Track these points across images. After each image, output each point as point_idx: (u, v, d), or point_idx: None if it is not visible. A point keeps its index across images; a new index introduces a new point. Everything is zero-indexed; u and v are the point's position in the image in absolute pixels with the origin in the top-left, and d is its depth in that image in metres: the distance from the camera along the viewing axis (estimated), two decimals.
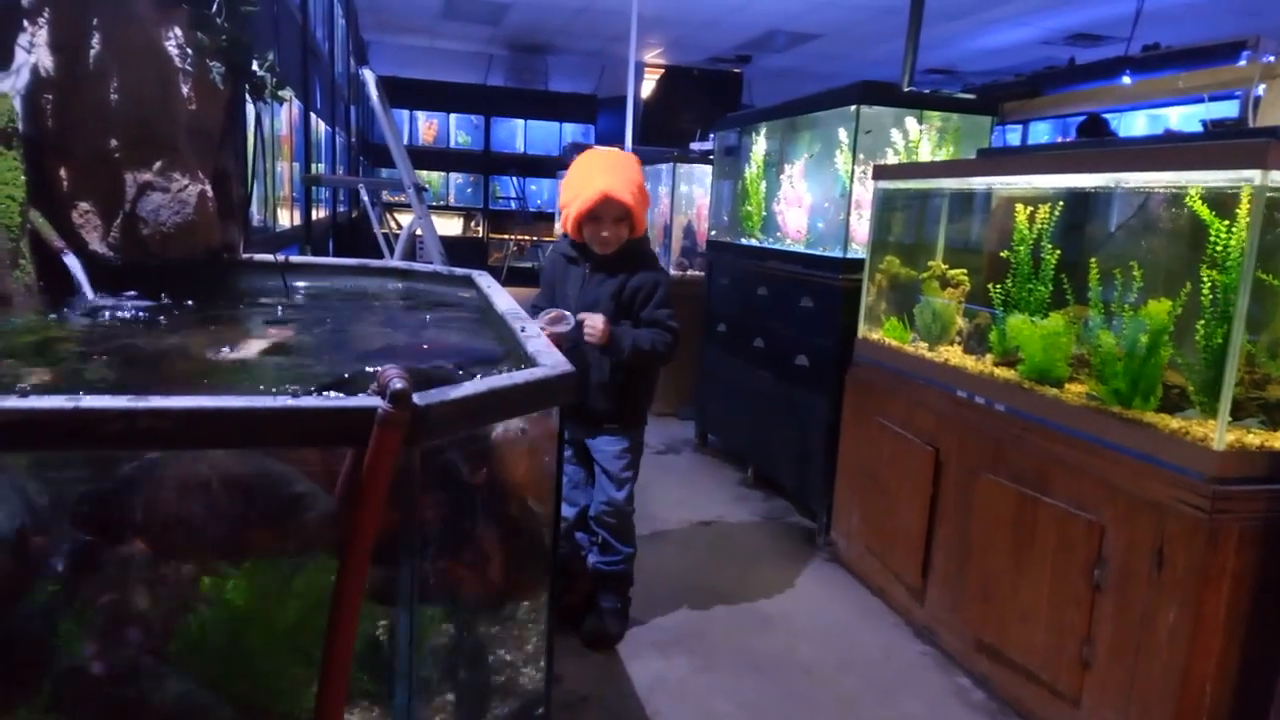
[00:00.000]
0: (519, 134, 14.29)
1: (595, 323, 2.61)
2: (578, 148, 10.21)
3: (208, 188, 2.22)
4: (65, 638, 1.12)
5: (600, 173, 2.67)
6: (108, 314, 1.88)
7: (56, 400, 0.90)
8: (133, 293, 2.00)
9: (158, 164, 2.15)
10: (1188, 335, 2.22)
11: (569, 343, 2.45)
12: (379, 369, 1.01)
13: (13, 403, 0.89)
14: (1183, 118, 6.66)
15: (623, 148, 8.50)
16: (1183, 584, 2.04)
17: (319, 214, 7.33)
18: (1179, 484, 2.06)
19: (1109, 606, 2.24)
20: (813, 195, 4.17)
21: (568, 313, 2.51)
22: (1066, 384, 2.56)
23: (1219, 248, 2.09)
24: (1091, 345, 2.44)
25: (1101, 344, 2.37)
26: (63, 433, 0.90)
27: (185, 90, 2.24)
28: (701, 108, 10.79)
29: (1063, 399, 2.45)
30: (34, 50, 2.14)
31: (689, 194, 6.21)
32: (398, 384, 0.97)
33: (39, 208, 2.05)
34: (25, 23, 2.15)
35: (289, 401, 0.95)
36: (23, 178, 1.96)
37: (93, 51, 2.13)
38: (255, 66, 2.41)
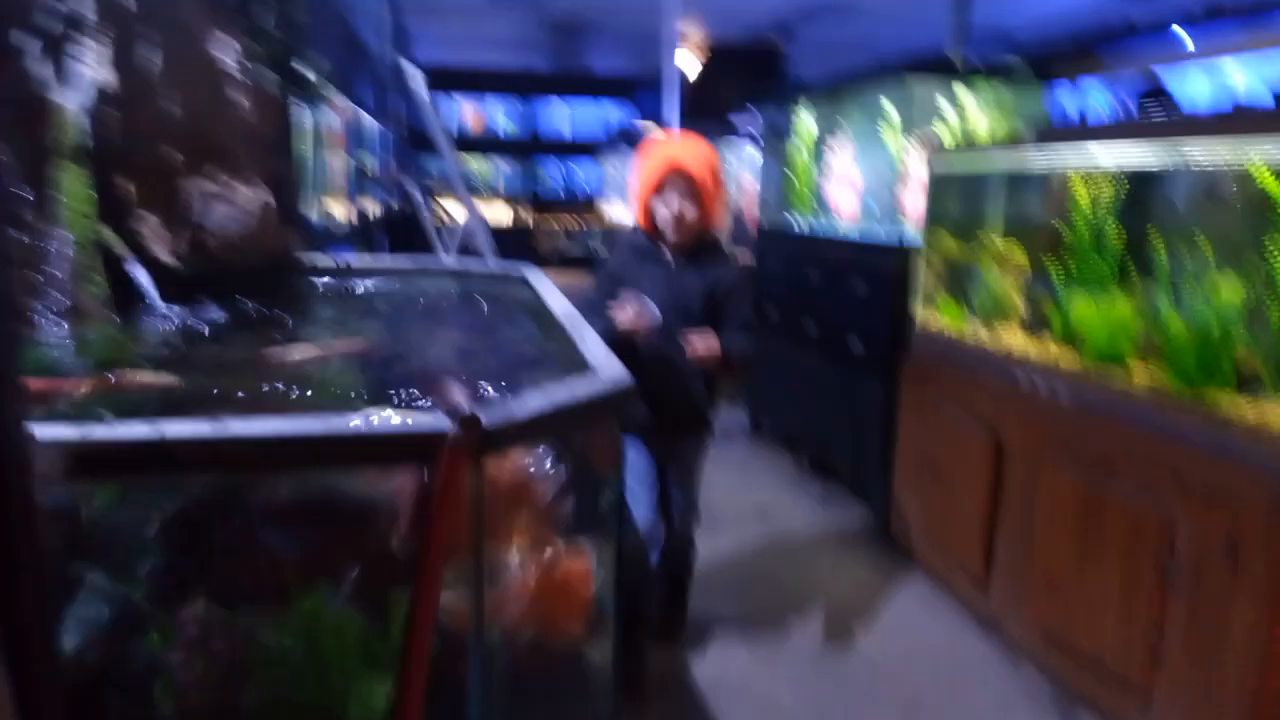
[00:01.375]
0: (563, 119, 14.27)
1: (711, 345, 2.40)
2: (626, 135, 10.19)
3: (269, 195, 2.26)
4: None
5: (668, 146, 2.53)
6: (181, 323, 1.93)
7: (141, 429, 0.92)
8: (200, 302, 2.04)
9: (219, 174, 2.19)
10: (1262, 318, 2.14)
11: (647, 346, 2.37)
12: (445, 388, 1.03)
13: (101, 432, 0.92)
14: (1246, 84, 6.40)
15: (670, 129, 8.47)
16: (1259, 581, 1.98)
17: (372, 209, 7.42)
18: (1253, 475, 2.00)
19: (1181, 602, 2.19)
20: (862, 173, 4.10)
21: (648, 299, 2.38)
22: (1133, 368, 2.49)
23: None
24: (1159, 327, 2.37)
25: (1170, 326, 2.30)
26: (148, 461, 0.93)
27: (242, 100, 2.28)
28: (744, 84, 10.67)
29: (1129, 386, 2.39)
30: (96, 65, 2.19)
31: (736, 176, 6.15)
32: (466, 407, 0.98)
33: (106, 222, 2.11)
34: (88, 39, 2.20)
35: (362, 427, 0.97)
36: (92, 194, 2.01)
37: (154, 67, 2.18)
38: (307, 72, 2.45)
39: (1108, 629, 2.40)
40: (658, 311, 2.36)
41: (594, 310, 2.37)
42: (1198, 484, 2.13)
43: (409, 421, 1.03)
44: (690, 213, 2.44)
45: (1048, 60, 4.13)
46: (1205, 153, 2.34)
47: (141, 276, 2.10)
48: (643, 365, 2.31)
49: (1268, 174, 2.06)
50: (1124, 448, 2.37)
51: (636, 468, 2.60)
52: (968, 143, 3.64)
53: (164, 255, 2.13)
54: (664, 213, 2.45)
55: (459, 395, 1.00)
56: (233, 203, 2.14)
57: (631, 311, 2.29)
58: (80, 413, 1.24)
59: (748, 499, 4.13)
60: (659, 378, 2.43)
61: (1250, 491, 2.00)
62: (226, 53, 2.29)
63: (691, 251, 2.51)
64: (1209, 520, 2.10)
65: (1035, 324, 3.00)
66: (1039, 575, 2.68)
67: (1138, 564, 2.29)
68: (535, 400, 1.11)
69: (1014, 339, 2.99)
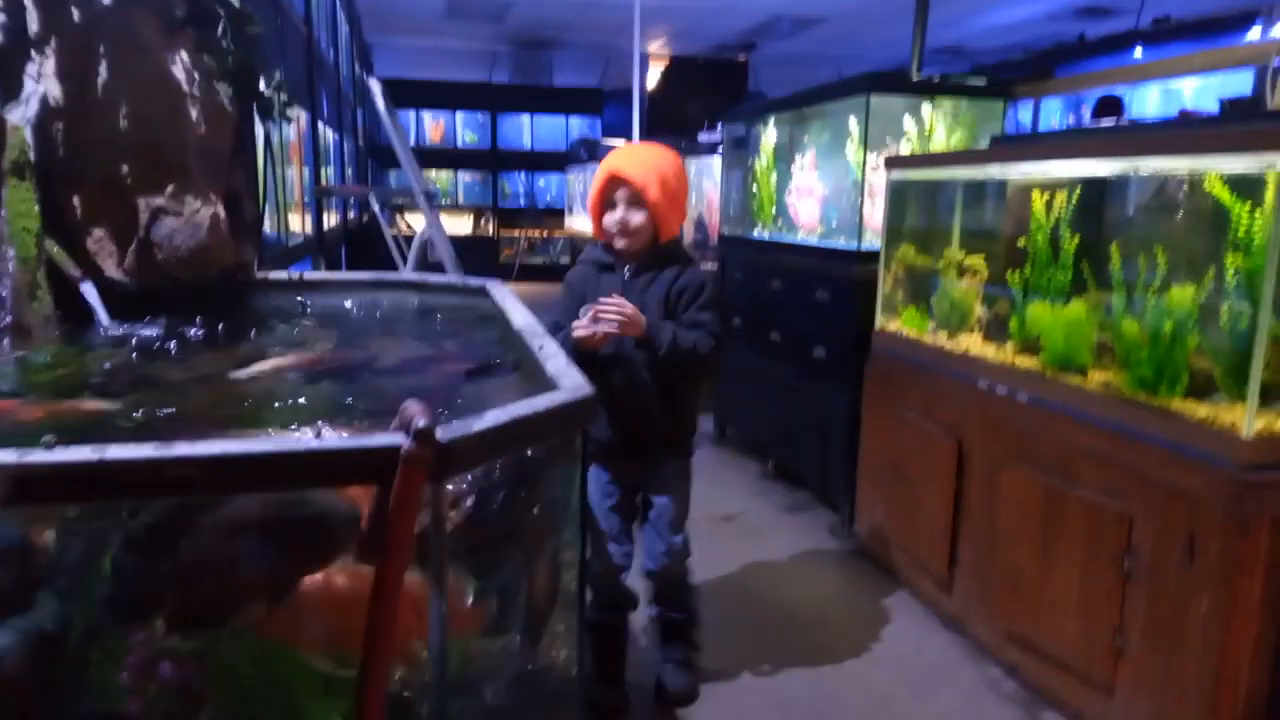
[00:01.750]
0: (526, 130, 14.27)
1: (624, 308, 2.20)
2: (587, 144, 10.20)
3: (220, 209, 2.22)
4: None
5: (613, 155, 2.41)
6: (130, 341, 1.89)
7: (82, 451, 0.90)
8: (149, 319, 2.00)
9: (169, 188, 2.15)
10: (1213, 320, 2.18)
11: (608, 352, 2.28)
12: (401, 404, 1.01)
13: (38, 456, 0.89)
14: (1196, 91, 6.57)
15: (630, 140, 8.50)
16: (1215, 573, 2.02)
17: (330, 221, 7.34)
18: (1208, 472, 2.04)
19: (1140, 596, 2.22)
20: (825, 186, 4.14)
21: (610, 304, 2.21)
22: (1090, 371, 2.53)
23: (1242, 232, 2.06)
24: (1115, 331, 2.41)
25: (1125, 330, 2.34)
26: (90, 485, 0.90)
27: (194, 114, 2.24)
28: (708, 97, 10.76)
29: (1086, 388, 2.43)
30: (42, 79, 2.14)
31: (699, 186, 6.18)
32: (420, 421, 0.96)
33: (53, 237, 2.06)
34: (33, 52, 2.15)
35: (312, 444, 0.95)
36: (36, 208, 1.97)
37: (101, 79, 2.14)
38: (263, 87, 2.41)
39: (1070, 626, 2.43)
40: (614, 315, 2.19)
41: (557, 326, 2.30)
42: (1155, 482, 2.17)
43: (363, 437, 1.01)
44: (634, 219, 2.33)
45: (1006, 77, 4.19)
46: (1157, 161, 2.39)
47: (90, 293, 2.05)
48: (603, 377, 2.23)
49: (1217, 180, 2.11)
50: (1083, 449, 2.40)
51: (600, 497, 2.45)
52: (926, 153, 3.68)
53: (113, 271, 2.09)
54: (608, 221, 2.37)
55: (415, 410, 0.98)
56: (182, 216, 2.10)
57: (584, 321, 2.19)
58: (19, 436, 1.20)
59: (714, 506, 4.13)
60: (622, 391, 2.32)
61: (1206, 488, 2.04)
62: (179, 66, 2.26)
63: (647, 261, 2.39)
64: (1166, 517, 2.14)
65: (995, 330, 3.03)
66: (1002, 575, 2.71)
67: (1098, 561, 2.33)
68: (493, 414, 1.10)
69: (974, 345, 3.03)
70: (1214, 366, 2.21)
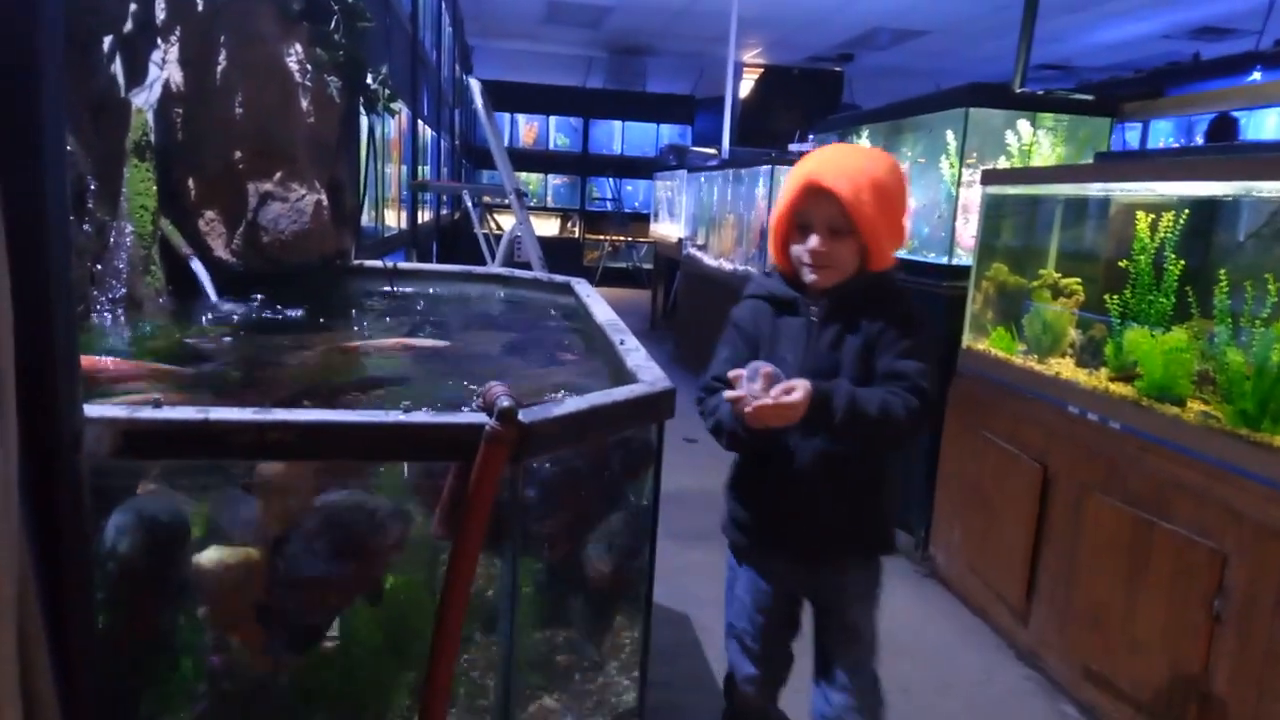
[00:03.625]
0: (616, 136, 14.41)
1: (784, 403, 1.53)
2: (676, 150, 10.24)
3: (323, 197, 2.31)
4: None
5: (813, 160, 1.74)
6: (233, 317, 1.98)
7: (188, 412, 0.95)
8: (255, 298, 2.10)
9: (278, 175, 2.25)
10: None
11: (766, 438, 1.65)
12: (485, 386, 1.04)
13: (147, 413, 0.95)
14: None
15: (720, 150, 8.50)
16: None
17: (424, 216, 7.54)
18: None
19: (1230, 640, 2.12)
20: (917, 199, 4.07)
21: (771, 368, 1.57)
22: (1189, 402, 2.42)
23: None
24: (1217, 362, 2.31)
25: (1229, 361, 2.24)
26: (193, 442, 0.95)
27: (304, 104, 2.34)
28: (801, 108, 10.68)
29: (1184, 419, 2.33)
30: (165, 66, 2.27)
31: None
32: (504, 401, 0.99)
33: (168, 216, 2.17)
34: (159, 40, 2.28)
35: (401, 417, 0.98)
36: (154, 188, 2.08)
37: (220, 67, 2.25)
38: (370, 81, 2.50)
39: (1152, 667, 2.33)
40: (797, 384, 1.55)
41: (716, 382, 1.71)
42: (1252, 521, 2.07)
43: (448, 415, 1.04)
44: (838, 250, 1.68)
45: (1114, 95, 4.06)
46: (1271, 184, 2.29)
47: (200, 271, 2.16)
48: (767, 465, 1.74)
49: None
50: (1177, 481, 2.30)
51: (746, 598, 1.89)
52: (1025, 167, 3.59)
53: (221, 251, 2.19)
54: (797, 250, 1.71)
55: (499, 391, 1.01)
56: (288, 202, 2.20)
57: (742, 390, 1.54)
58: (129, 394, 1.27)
59: None
60: (780, 468, 1.73)
61: None
62: (293, 57, 2.36)
63: (845, 299, 1.70)
64: (1263, 556, 2.04)
65: (1088, 355, 2.94)
66: (1082, 608, 2.61)
67: (1186, 600, 2.23)
68: (573, 401, 1.12)
69: (1065, 368, 2.93)
70: None
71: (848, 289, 1.71)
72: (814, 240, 1.67)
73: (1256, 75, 7.47)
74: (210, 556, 1.12)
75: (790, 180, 1.73)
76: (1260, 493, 2.06)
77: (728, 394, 1.55)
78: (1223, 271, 2.34)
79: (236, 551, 1.13)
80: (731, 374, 1.56)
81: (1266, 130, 7.22)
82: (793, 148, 6.74)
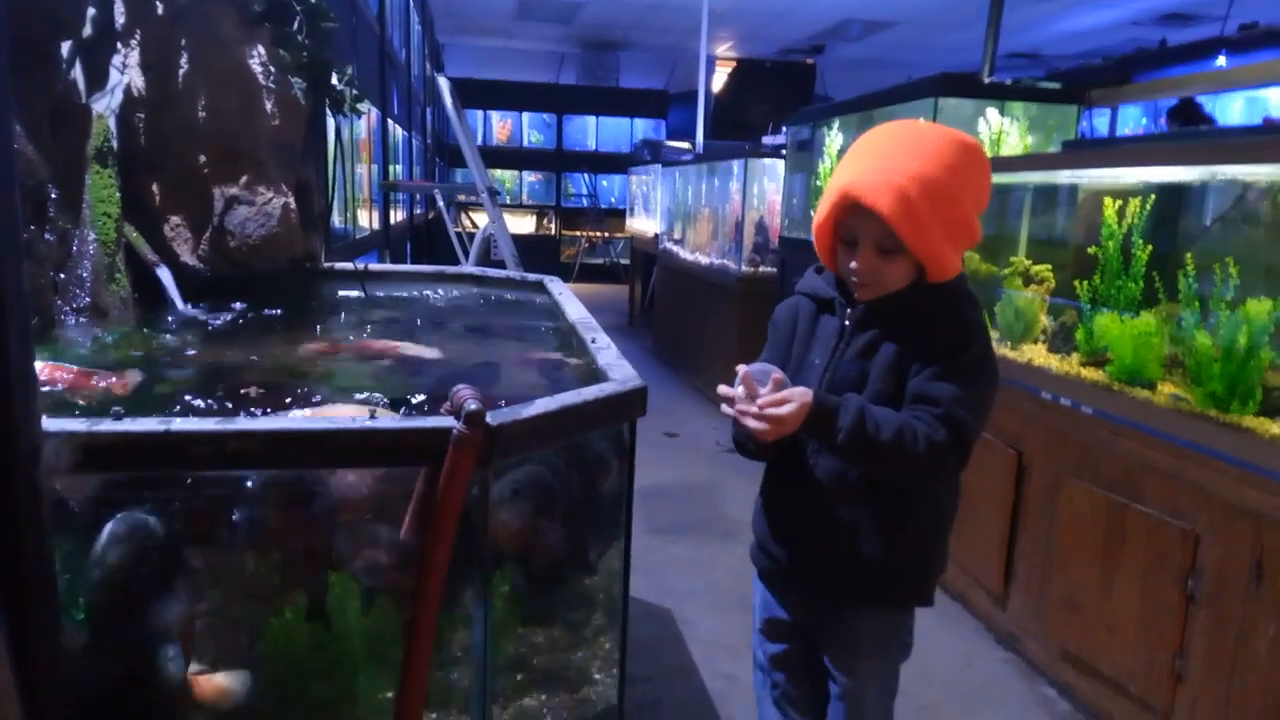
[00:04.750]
0: (590, 131, 14.38)
1: (782, 409, 1.31)
2: (650, 145, 10.22)
3: (290, 200, 2.29)
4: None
5: (854, 162, 1.46)
6: (204, 324, 1.96)
7: (149, 423, 0.93)
8: (221, 303, 2.07)
9: (243, 178, 2.23)
10: None
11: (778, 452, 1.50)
12: (453, 389, 1.03)
13: (107, 425, 0.93)
14: None
15: (694, 143, 8.50)
16: None
17: (397, 217, 7.49)
18: (1279, 492, 1.96)
19: (1203, 619, 2.15)
20: None
21: (781, 375, 1.36)
22: (1159, 385, 2.45)
23: None
24: (1186, 345, 2.34)
25: (1197, 344, 2.26)
26: (155, 454, 0.94)
27: (269, 106, 2.31)
28: (773, 100, 10.69)
29: (1155, 402, 2.36)
30: (126, 71, 2.24)
31: (761, 189, 6.16)
32: (472, 404, 0.98)
33: (132, 223, 2.14)
34: (119, 45, 2.25)
35: (367, 423, 0.98)
36: (117, 195, 2.05)
37: (181, 71, 2.22)
38: (335, 81, 2.48)
39: (1128, 647, 2.36)
40: (760, 424, 1.32)
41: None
42: (1223, 501, 2.10)
43: (415, 419, 1.03)
44: (886, 269, 1.44)
45: (1082, 83, 4.09)
46: (1236, 168, 2.32)
47: (166, 277, 2.13)
48: (781, 480, 1.59)
49: None
50: (1149, 464, 2.33)
51: (758, 636, 1.74)
52: (994, 153, 3.61)
53: (187, 256, 2.17)
54: (845, 264, 1.48)
55: (466, 394, 1.00)
56: (254, 206, 2.17)
57: (734, 391, 1.35)
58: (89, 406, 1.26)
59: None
60: (790, 485, 1.56)
61: (1276, 507, 1.96)
62: (256, 60, 2.33)
63: (886, 308, 1.47)
64: (1234, 537, 2.07)
65: (1060, 341, 2.96)
66: (1059, 591, 2.64)
67: (1160, 581, 2.25)
68: (542, 401, 1.11)
69: (1038, 355, 2.96)
70: None
71: (895, 299, 1.46)
72: (857, 260, 1.43)
73: (1222, 60, 7.56)
74: None
75: (830, 187, 1.46)
76: (1231, 473, 2.08)
77: (721, 389, 1.35)
78: (1189, 255, 2.37)
79: None
80: (739, 369, 1.34)
81: (1233, 115, 7.30)
82: (766, 140, 6.75)
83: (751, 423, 1.31)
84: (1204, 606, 2.14)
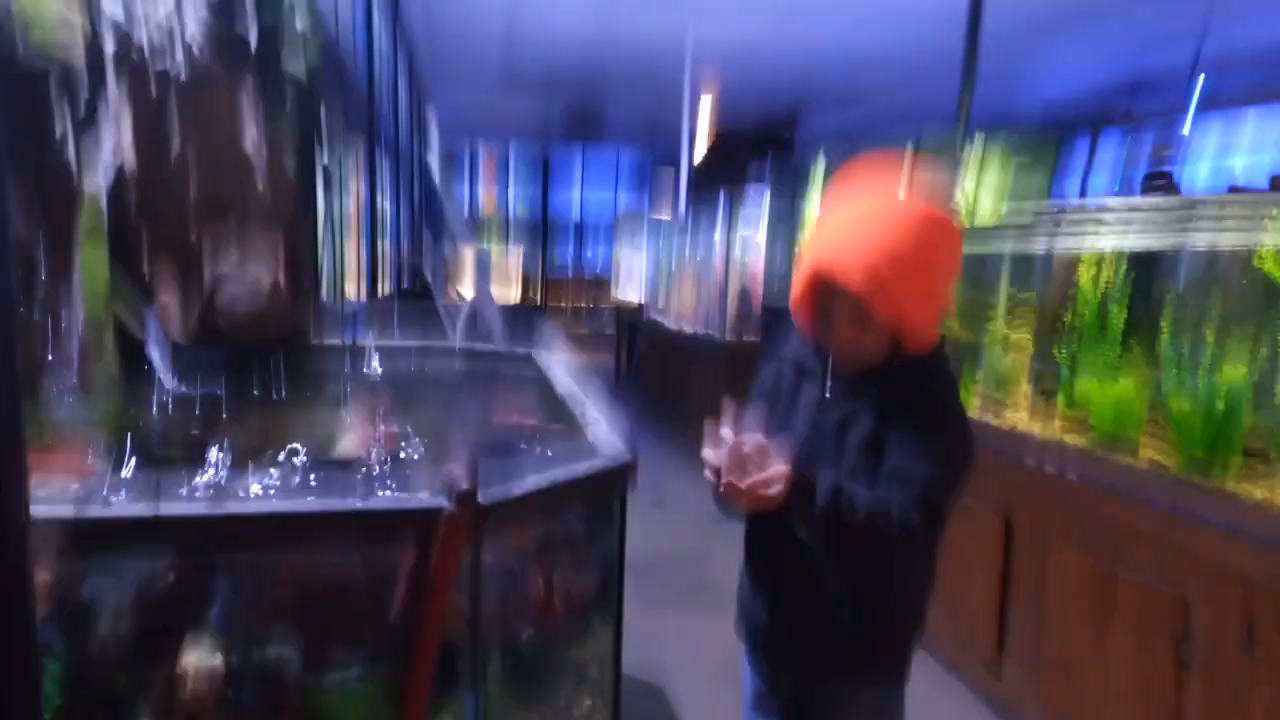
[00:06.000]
0: (575, 202, 14.65)
1: (772, 488, 1.32)
2: (630, 216, 10.39)
3: (280, 277, 2.30)
4: None
5: (823, 237, 1.49)
6: (190, 400, 1.96)
7: (137, 508, 0.93)
8: (211, 380, 2.07)
9: (233, 254, 2.24)
10: (1268, 399, 2.14)
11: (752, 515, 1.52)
12: (444, 468, 1.03)
13: (96, 511, 0.93)
14: (1245, 169, 6.52)
15: (675, 213, 8.65)
16: (1276, 661, 1.93)
17: (384, 287, 7.52)
18: (1266, 556, 1.97)
19: (1198, 685, 2.13)
20: None
21: (769, 448, 1.35)
22: (1140, 449, 2.47)
23: None
24: (1165, 409, 2.37)
25: (1175, 408, 2.29)
26: (143, 539, 0.93)
27: (260, 184, 2.35)
28: (753, 171, 10.91)
29: (1137, 466, 2.38)
30: (119, 145, 2.27)
31: (743, 257, 6.25)
32: (462, 484, 0.98)
33: (121, 299, 2.15)
34: (111, 123, 2.28)
35: (358, 504, 0.98)
36: (106, 272, 2.06)
37: (174, 147, 2.25)
38: (325, 159, 2.52)
39: (1126, 715, 2.34)
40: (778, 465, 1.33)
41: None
42: (1210, 564, 2.10)
43: (407, 499, 1.03)
44: (863, 340, 1.46)
45: (1054, 145, 4.22)
46: (1207, 234, 2.38)
47: (155, 353, 2.13)
48: (753, 541, 1.61)
49: (1269, 254, 2.09)
50: (1135, 527, 2.34)
51: (746, 699, 1.74)
52: (969, 224, 3.69)
53: (177, 333, 2.17)
54: (823, 332, 1.51)
55: (457, 473, 1.01)
56: (243, 283, 2.19)
57: (717, 459, 1.34)
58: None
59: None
60: (769, 550, 1.57)
61: (1263, 572, 1.97)
62: (248, 138, 2.37)
63: (864, 377, 1.48)
64: (1223, 600, 2.07)
65: (1042, 406, 2.99)
66: (1053, 658, 2.62)
67: (1153, 648, 2.24)
68: (533, 478, 1.12)
69: (1020, 418, 2.98)
70: (1269, 446, 2.15)
71: (878, 365, 1.47)
72: (834, 334, 1.47)
73: (1185, 131, 7.81)
74: None
75: (805, 259, 1.48)
76: (1216, 537, 2.09)
77: (706, 455, 1.34)
78: (1164, 320, 2.41)
79: None
80: (724, 434, 1.33)
81: (1200, 180, 7.52)
82: (748, 206, 6.87)
83: (735, 500, 1.33)
84: (1198, 672, 2.13)
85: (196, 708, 1.12)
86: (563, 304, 14.43)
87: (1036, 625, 2.71)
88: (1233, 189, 5.01)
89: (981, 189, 3.77)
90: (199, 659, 1.08)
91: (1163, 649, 2.21)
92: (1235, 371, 2.16)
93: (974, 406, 3.23)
